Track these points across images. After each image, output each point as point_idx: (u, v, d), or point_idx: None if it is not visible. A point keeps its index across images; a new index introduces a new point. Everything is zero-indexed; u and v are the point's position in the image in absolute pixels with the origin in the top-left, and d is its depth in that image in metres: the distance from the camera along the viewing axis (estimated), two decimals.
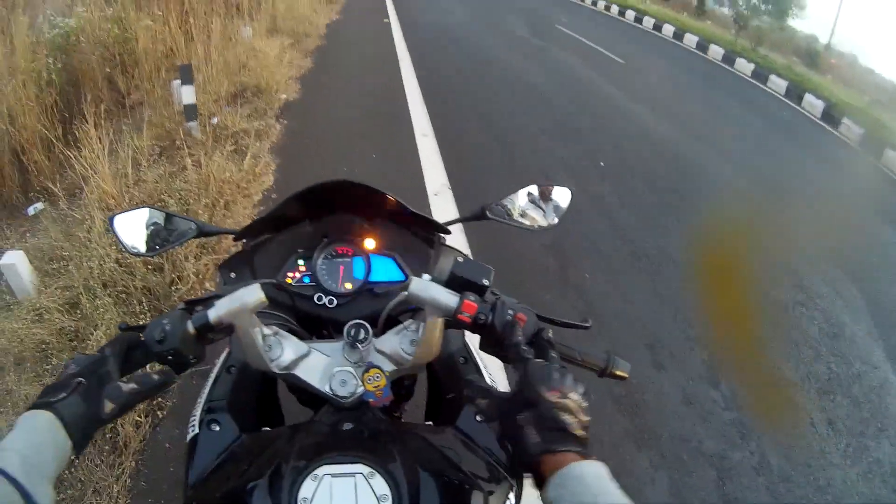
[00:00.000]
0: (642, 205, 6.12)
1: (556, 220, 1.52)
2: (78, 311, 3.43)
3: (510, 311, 1.06)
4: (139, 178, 4.83)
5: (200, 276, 3.86)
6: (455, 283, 1.13)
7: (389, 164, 6.06)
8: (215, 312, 1.04)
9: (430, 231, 1.42)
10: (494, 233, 4.10)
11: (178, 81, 5.92)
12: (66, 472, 2.57)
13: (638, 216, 5.81)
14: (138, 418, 2.89)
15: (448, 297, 1.06)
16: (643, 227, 5.60)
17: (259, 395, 1.37)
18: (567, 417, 0.82)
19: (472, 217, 1.48)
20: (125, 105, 6.61)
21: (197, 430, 1.17)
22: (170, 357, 1.03)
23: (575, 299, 4.39)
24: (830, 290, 5.07)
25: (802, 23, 19.29)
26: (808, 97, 12.24)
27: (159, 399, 3.03)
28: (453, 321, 1.07)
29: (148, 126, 5.69)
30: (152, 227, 1.38)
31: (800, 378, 3.98)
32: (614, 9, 22.71)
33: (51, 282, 3.72)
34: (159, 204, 4.48)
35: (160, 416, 2.98)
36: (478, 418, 1.16)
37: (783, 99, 12.79)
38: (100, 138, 4.66)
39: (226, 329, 1.07)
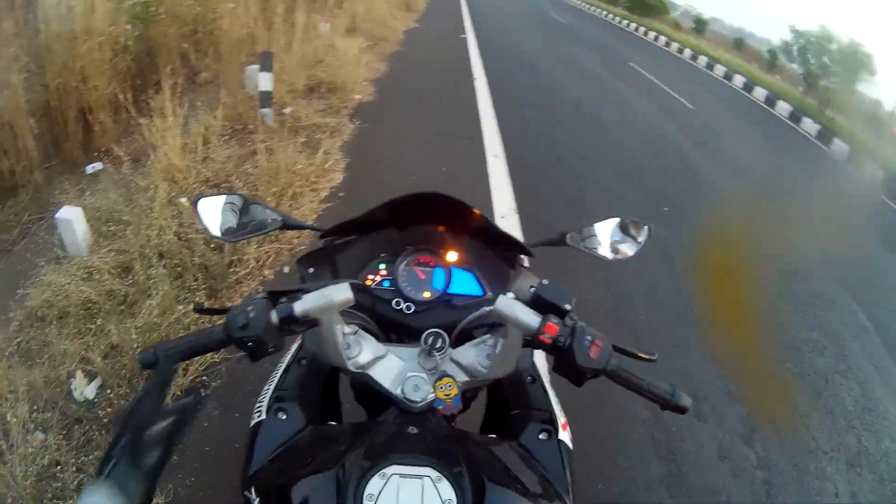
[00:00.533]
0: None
1: (631, 254, 1.57)
2: (130, 277, 3.33)
3: (588, 337, 1.06)
4: (207, 156, 4.74)
5: (260, 263, 3.74)
6: (537, 304, 1.12)
7: (458, 180, 5.91)
8: (302, 306, 1.05)
9: (513, 251, 1.46)
10: None
11: (256, 67, 5.86)
12: (96, 434, 2.53)
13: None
14: (179, 393, 2.79)
15: (531, 318, 1.07)
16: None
17: (324, 389, 1.39)
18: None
19: (552, 242, 1.56)
20: (195, 83, 6.59)
21: (263, 416, 1.20)
22: (249, 343, 1.01)
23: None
24: None
25: (869, 87, 19.26)
26: (870, 164, 11.97)
27: (203, 377, 2.92)
28: (533, 341, 1.08)
29: (221, 106, 5.59)
30: (235, 213, 1.42)
31: None
32: (687, 52, 22.73)
33: (105, 243, 3.62)
34: (226, 185, 4.42)
35: (202, 394, 2.87)
36: (541, 436, 1.22)
37: (844, 163, 12.56)
38: (174, 110, 4.59)
39: (308, 322, 1.07)
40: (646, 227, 1.56)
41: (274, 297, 1.08)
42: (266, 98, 5.84)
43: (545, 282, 1.17)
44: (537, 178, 6.51)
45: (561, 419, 1.30)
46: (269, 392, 1.27)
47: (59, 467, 2.30)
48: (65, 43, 4.96)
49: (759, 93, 17.37)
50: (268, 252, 3.83)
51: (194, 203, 1.37)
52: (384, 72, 9.45)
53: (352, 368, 1.12)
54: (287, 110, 6.23)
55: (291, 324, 1.05)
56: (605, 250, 1.55)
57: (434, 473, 0.88)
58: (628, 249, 1.56)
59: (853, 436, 3.62)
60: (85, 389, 2.69)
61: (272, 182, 4.57)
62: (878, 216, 9.61)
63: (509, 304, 1.07)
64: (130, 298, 3.21)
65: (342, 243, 1.42)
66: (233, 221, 1.40)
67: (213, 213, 1.38)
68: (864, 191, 10.98)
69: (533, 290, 1.31)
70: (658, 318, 4.41)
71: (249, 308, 1.01)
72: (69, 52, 4.96)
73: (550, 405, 1.34)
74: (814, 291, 5.54)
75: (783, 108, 15.95)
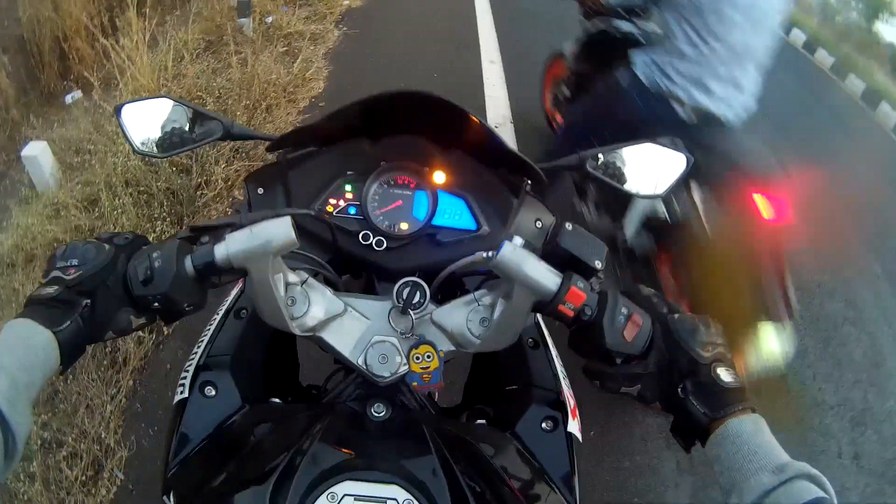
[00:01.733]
0: None
1: (663, 190, 1.21)
2: (97, 209, 3.20)
3: (623, 311, 0.83)
4: (179, 73, 4.51)
5: (230, 183, 3.58)
6: (555, 256, 0.89)
7: (450, 87, 5.60)
8: (225, 249, 0.81)
9: (519, 175, 1.14)
10: None
11: None
12: (61, 384, 2.41)
13: None
14: (141, 334, 2.65)
15: (548, 277, 0.83)
16: None
17: (270, 347, 1.15)
18: (724, 373, 0.77)
19: (566, 166, 1.18)
20: None
21: (187, 394, 0.98)
22: (156, 304, 0.81)
23: None
24: None
25: (888, 28, 18.11)
26: (884, 104, 11.30)
27: None
28: (548, 307, 0.84)
29: (197, 19, 5.36)
30: (170, 124, 1.12)
31: None
32: None
33: (74, 175, 3.51)
34: (196, 101, 4.19)
35: (165, 332, 2.75)
36: (544, 426, 1.01)
37: (859, 102, 11.76)
38: (141, 28, 4.31)
39: (237, 272, 0.84)
40: (682, 157, 1.21)
41: (197, 234, 0.87)
42: (245, 7, 5.57)
43: (569, 226, 0.93)
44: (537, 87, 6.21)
45: (570, 402, 1.08)
46: (196, 358, 1.05)
47: None
48: None
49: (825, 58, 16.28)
50: (237, 171, 3.65)
51: (117, 111, 1.10)
52: None
53: (297, 331, 0.90)
54: (269, 18, 5.96)
55: (212, 274, 0.83)
56: (631, 183, 1.21)
57: (402, 495, 0.70)
58: (659, 185, 1.22)
59: None
60: None
61: (245, 95, 4.36)
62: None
63: (518, 256, 0.83)
64: (97, 231, 3.08)
65: (299, 157, 1.13)
66: (166, 131, 1.12)
67: (143, 122, 1.11)
68: (877, 128, 10.43)
69: (540, 226, 1.14)
70: None
71: (155, 254, 0.80)
72: None
73: (558, 382, 1.11)
74: None
75: (797, 36, 15.08)
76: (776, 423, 0.75)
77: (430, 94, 0.96)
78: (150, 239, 2.80)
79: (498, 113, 5.25)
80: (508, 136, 4.91)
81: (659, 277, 2.72)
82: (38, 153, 3.37)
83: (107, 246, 0.81)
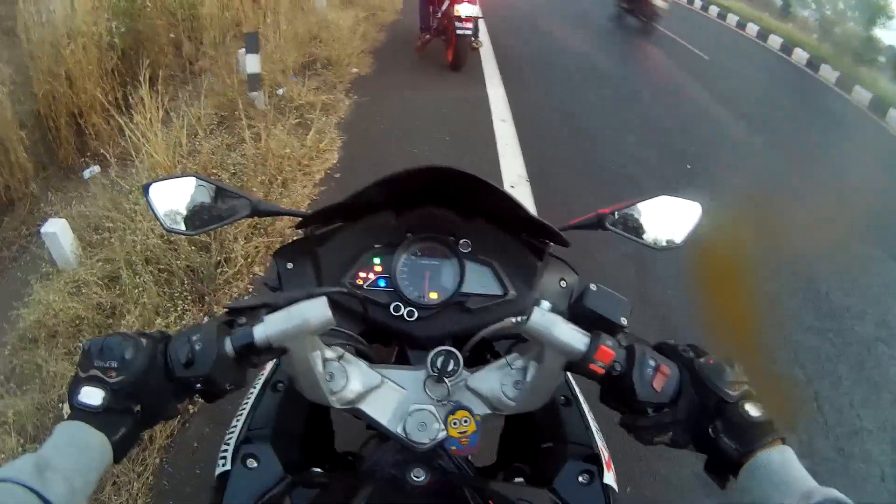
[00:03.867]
0: None
1: (681, 241, 1.26)
2: (117, 287, 3.21)
3: (651, 363, 0.83)
4: (194, 149, 4.57)
5: (250, 260, 3.58)
6: (582, 315, 0.91)
7: (464, 150, 5.69)
8: (264, 331, 0.81)
9: (541, 239, 1.18)
10: None
11: (244, 50, 5.64)
12: None
13: None
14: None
15: (577, 339, 0.84)
16: None
17: (308, 418, 1.16)
18: (751, 409, 0.78)
19: (587, 225, 1.25)
20: (190, 72, 6.39)
21: (228, 466, 1.00)
22: (198, 386, 0.81)
23: None
24: None
25: (886, 33, 18.30)
26: (892, 111, 11.37)
27: None
28: (579, 367, 0.85)
29: (209, 94, 5.44)
30: (198, 202, 1.15)
31: None
32: (697, 3, 21.80)
33: (94, 252, 3.52)
34: (213, 177, 4.17)
35: (191, 410, 2.74)
36: (581, 479, 1.03)
37: (865, 111, 11.77)
38: (156, 105, 4.36)
39: (276, 351, 0.84)
40: (696, 206, 1.27)
41: (234, 315, 0.87)
42: (255, 81, 5.65)
43: (593, 287, 0.95)
44: (547, 144, 6.26)
45: (605, 454, 1.09)
46: (237, 431, 1.06)
47: None
48: (48, 49, 4.85)
49: (774, 40, 16.41)
50: (257, 247, 3.67)
51: (145, 190, 1.14)
52: (382, 42, 9.12)
53: (338, 405, 0.92)
54: (280, 90, 6.04)
55: (252, 354, 0.83)
56: (650, 235, 1.26)
57: None
58: (676, 235, 1.27)
59: None
60: None
61: (260, 170, 4.41)
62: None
63: (547, 320, 0.84)
64: (119, 310, 3.10)
65: (326, 232, 1.15)
66: (193, 209, 1.15)
67: (170, 200, 1.15)
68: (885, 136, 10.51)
69: (564, 286, 1.18)
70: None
71: (195, 337, 0.80)
72: (53, 58, 4.86)
73: (591, 436, 1.13)
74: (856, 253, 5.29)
75: (800, 55, 15.27)
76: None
77: (449, 168, 0.98)
78: (172, 320, 2.83)
79: (513, 172, 5.30)
80: (526, 194, 4.96)
81: None
82: (57, 230, 3.39)
83: (143, 341, 0.80)
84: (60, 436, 0.71)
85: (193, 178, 1.15)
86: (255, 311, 0.85)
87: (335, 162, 5.12)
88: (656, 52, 12.07)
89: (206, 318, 3.18)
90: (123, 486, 2.33)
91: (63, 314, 3.04)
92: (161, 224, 1.14)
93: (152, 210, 1.14)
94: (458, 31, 7.29)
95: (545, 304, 0.88)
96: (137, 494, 2.32)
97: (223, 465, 1.00)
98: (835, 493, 0.66)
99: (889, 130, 10.54)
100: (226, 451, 1.03)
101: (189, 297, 3.21)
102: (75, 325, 3.03)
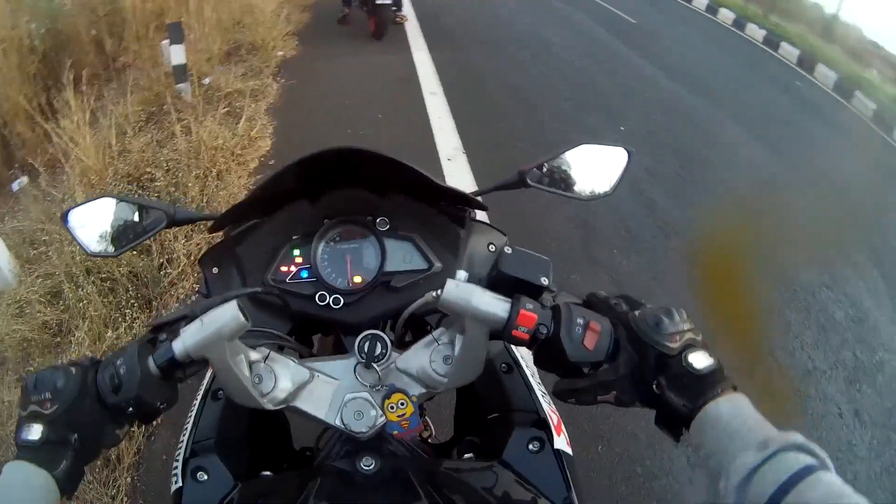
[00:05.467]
0: None
1: (610, 188, 1.22)
2: (61, 302, 3.15)
3: (580, 321, 0.82)
4: (124, 148, 4.47)
5: (192, 258, 3.53)
6: (502, 281, 0.91)
7: (397, 125, 5.69)
8: (182, 344, 0.82)
9: (460, 206, 1.15)
10: None
11: (167, 41, 5.52)
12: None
13: None
14: (132, 429, 2.59)
15: (497, 306, 0.84)
16: None
17: (255, 421, 1.15)
18: (696, 359, 0.75)
19: (509, 185, 1.22)
20: (112, 69, 6.21)
21: (180, 483, 0.99)
22: (130, 410, 0.81)
23: None
24: None
25: None
26: (821, 68, 11.54)
27: None
28: (504, 335, 0.84)
29: (135, 90, 5.30)
30: (117, 221, 1.13)
31: None
32: None
33: (32, 269, 3.43)
34: (147, 177, 4.17)
35: (154, 423, 2.67)
36: (531, 447, 1.01)
37: (795, 67, 11.96)
38: (81, 107, 4.25)
39: (200, 362, 0.84)
40: (623, 151, 1.22)
41: (157, 332, 0.88)
42: (181, 72, 5.54)
43: (508, 249, 0.95)
44: (479, 114, 6.27)
45: (553, 419, 1.08)
46: (184, 446, 1.06)
47: None
48: None
49: (699, 2, 16.23)
50: (198, 244, 3.61)
51: (64, 217, 1.12)
52: (306, 23, 9.00)
53: (270, 406, 0.90)
54: (207, 80, 5.93)
55: (176, 369, 0.84)
56: (577, 187, 1.21)
57: None
58: (604, 183, 1.22)
59: None
60: None
61: (193, 164, 4.32)
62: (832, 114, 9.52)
63: (462, 291, 0.83)
64: (65, 326, 3.06)
65: (244, 231, 1.12)
66: (114, 229, 1.13)
67: (90, 224, 1.12)
68: (815, 91, 10.69)
69: (493, 249, 1.14)
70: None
71: (119, 361, 0.81)
72: None
73: (537, 402, 1.11)
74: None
75: (726, 15, 15.29)
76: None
77: (355, 147, 0.95)
78: (122, 330, 2.79)
79: (448, 145, 5.33)
80: (462, 166, 4.99)
81: None
82: None
83: (73, 369, 0.81)
84: (5, 477, 0.73)
85: (110, 199, 1.14)
86: (175, 325, 0.86)
87: (268, 149, 5.08)
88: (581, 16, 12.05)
89: (164, 314, 3.13)
90: None
91: (9, 338, 2.97)
92: (84, 250, 1.13)
93: (74, 237, 1.13)
94: (378, 1, 7.72)
95: (461, 275, 0.89)
96: None
97: (175, 483, 1.00)
98: (794, 436, 0.65)
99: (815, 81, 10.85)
100: (176, 466, 1.03)
101: (136, 305, 3.15)
102: (23, 348, 2.96)
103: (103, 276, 3.29)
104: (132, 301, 3.17)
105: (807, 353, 3.57)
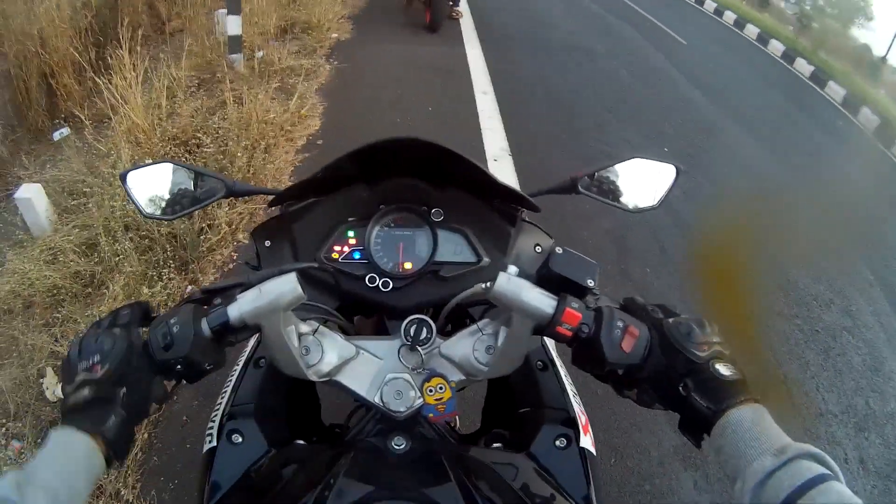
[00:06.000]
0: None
1: (656, 202, 1.26)
2: (95, 255, 3.12)
3: (619, 324, 0.84)
4: (173, 111, 4.43)
5: (233, 227, 3.50)
6: (549, 280, 0.92)
7: (446, 121, 5.64)
8: (237, 310, 0.84)
9: (513, 205, 1.18)
10: None
11: (224, 10, 5.51)
12: None
13: None
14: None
15: (544, 302, 0.86)
16: None
17: (292, 392, 1.18)
18: (723, 368, 0.77)
19: (561, 189, 1.26)
20: (164, 32, 6.19)
21: (215, 443, 1.01)
22: (178, 367, 0.81)
23: None
24: None
25: (862, 32, 18.43)
26: (865, 110, 11.44)
27: None
28: (547, 330, 0.86)
29: (187, 56, 5.27)
30: (174, 186, 1.18)
31: None
32: None
33: (69, 219, 3.40)
34: (194, 142, 4.14)
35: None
36: (558, 443, 1.03)
37: (839, 107, 11.79)
38: (134, 65, 4.23)
39: (252, 328, 0.87)
40: (672, 168, 1.25)
41: (208, 297, 0.89)
42: (235, 43, 5.53)
43: (559, 250, 0.95)
44: (528, 117, 6.23)
45: (581, 419, 1.10)
46: (221, 408, 1.08)
47: None
48: (20, 6, 4.68)
49: (751, 30, 16.31)
50: (241, 214, 3.59)
51: (122, 178, 1.15)
52: (361, 7, 9.04)
53: (314, 377, 0.93)
54: (259, 54, 5.90)
55: (228, 333, 0.86)
56: (624, 198, 1.25)
57: None
58: (651, 197, 1.26)
59: None
60: (56, 388, 2.51)
61: (243, 135, 4.28)
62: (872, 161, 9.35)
63: (513, 285, 0.86)
64: (98, 278, 3.01)
65: (301, 208, 1.16)
66: (170, 194, 1.17)
67: (147, 186, 1.16)
68: (855, 132, 10.60)
69: (539, 251, 1.18)
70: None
71: (173, 320, 0.82)
72: (26, 16, 4.67)
73: (568, 401, 1.14)
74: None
75: (776, 47, 15.28)
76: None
77: (417, 138, 0.97)
78: (158, 289, 2.73)
79: (495, 145, 5.26)
80: (507, 167, 4.94)
81: None
82: (32, 195, 3.27)
83: (117, 330, 0.81)
84: (49, 445, 0.70)
85: (169, 164, 1.17)
86: (229, 291, 0.88)
87: (317, 128, 5.05)
88: (632, 32, 12.00)
89: (189, 287, 3.11)
90: None
91: (39, 283, 2.94)
92: (139, 211, 1.16)
93: (130, 197, 1.15)
94: None
95: (512, 270, 0.89)
96: (128, 472, 2.26)
97: (210, 442, 1.02)
98: (809, 447, 0.66)
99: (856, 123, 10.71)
100: (211, 428, 1.05)
101: (173, 266, 3.12)
102: (52, 294, 2.93)
103: (142, 233, 3.25)
104: (169, 261, 3.13)
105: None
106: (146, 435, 2.42)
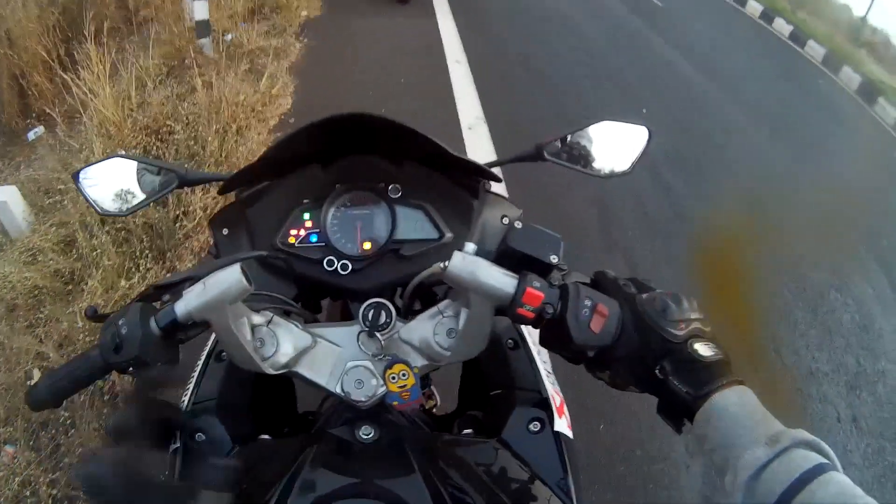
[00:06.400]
0: None
1: (628, 167, 1.21)
2: (74, 251, 3.13)
3: (587, 302, 0.78)
4: (143, 101, 4.40)
5: (208, 211, 3.48)
6: (510, 256, 0.89)
7: (420, 92, 5.62)
8: (184, 307, 0.82)
9: (474, 177, 1.14)
10: None
11: None
12: (63, 437, 2.37)
13: None
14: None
15: (503, 281, 0.81)
16: None
17: (259, 384, 1.13)
18: (702, 348, 0.73)
19: (525, 157, 1.21)
20: (133, 23, 6.12)
21: (177, 443, 0.97)
22: (131, 369, 0.81)
23: None
24: None
25: None
26: (846, 69, 11.35)
27: None
28: (508, 312, 0.81)
29: (156, 44, 5.24)
30: (125, 180, 1.15)
31: None
32: None
33: (47, 218, 3.40)
34: (165, 130, 4.10)
35: None
36: (531, 427, 1.00)
37: (820, 66, 11.75)
38: (101, 59, 4.17)
39: (203, 324, 0.85)
40: (643, 129, 1.20)
41: (160, 293, 0.89)
42: (203, 27, 5.49)
43: (518, 224, 0.93)
44: (503, 85, 6.25)
45: (556, 400, 1.07)
46: (184, 406, 1.05)
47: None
48: None
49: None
50: (215, 198, 3.57)
51: (75, 177, 1.14)
52: None
53: (271, 370, 0.89)
54: (228, 36, 5.88)
55: (178, 330, 0.84)
56: (594, 164, 1.20)
57: None
58: (623, 162, 1.21)
59: None
60: None
61: (214, 118, 4.24)
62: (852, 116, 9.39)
63: (468, 265, 0.82)
64: (78, 275, 3.03)
65: (254, 193, 1.11)
66: (123, 188, 1.14)
67: (100, 183, 1.14)
68: (838, 93, 10.51)
69: (506, 222, 1.13)
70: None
71: (121, 321, 0.81)
72: None
73: (541, 382, 1.09)
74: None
75: (754, 7, 15.02)
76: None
77: (368, 113, 0.92)
78: (136, 280, 2.76)
79: (470, 114, 5.27)
80: (483, 135, 4.94)
81: None
82: (7, 198, 3.28)
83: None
84: None
85: (120, 159, 1.15)
86: (178, 287, 0.86)
87: (289, 107, 5.04)
88: None
89: (167, 276, 3.11)
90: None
91: (21, 285, 2.94)
92: (94, 209, 1.15)
93: (84, 196, 1.15)
94: None
95: (469, 247, 0.85)
96: None
97: (173, 442, 0.98)
98: (803, 434, 0.63)
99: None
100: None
101: (150, 256, 3.13)
102: (34, 295, 2.94)
103: (118, 226, 3.25)
104: (146, 252, 3.14)
105: None
106: None
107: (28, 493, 2.15)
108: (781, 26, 13.69)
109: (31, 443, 2.33)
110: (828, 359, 3.47)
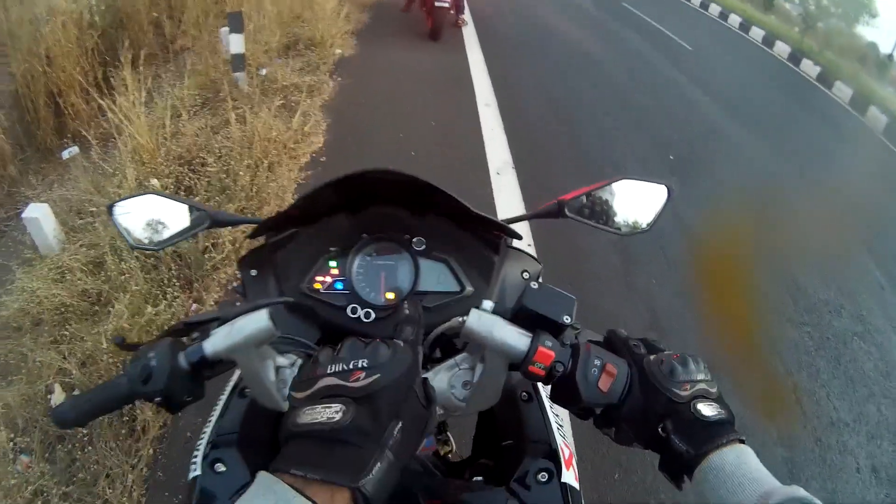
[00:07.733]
0: None
1: (647, 225, 1.22)
2: (102, 273, 3.15)
3: (596, 362, 0.82)
4: (178, 130, 4.48)
5: (237, 245, 3.52)
6: (526, 315, 0.88)
7: (449, 134, 5.68)
8: (212, 346, 0.85)
9: (495, 233, 1.16)
10: None
11: (227, 29, 5.56)
12: (79, 452, 2.39)
13: None
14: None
15: (517, 339, 0.84)
16: None
17: (278, 422, 1.07)
18: (705, 408, 0.76)
19: (546, 213, 1.22)
20: (170, 51, 6.29)
21: (199, 472, 1.00)
22: (157, 399, 0.84)
23: None
24: None
25: (868, 30, 18.38)
26: (873, 109, 11.48)
27: None
28: (521, 368, 0.84)
29: (191, 74, 5.35)
30: (159, 217, 1.18)
31: None
32: None
33: (77, 237, 3.45)
34: (198, 161, 4.18)
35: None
36: (539, 477, 1.01)
37: (847, 107, 11.93)
38: (137, 85, 4.25)
39: (228, 363, 0.88)
40: (663, 188, 1.21)
41: (189, 329, 0.90)
42: (239, 61, 5.58)
43: (534, 284, 0.92)
44: (532, 128, 6.30)
45: (565, 452, 1.08)
46: (206, 437, 1.07)
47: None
48: (27, 26, 4.75)
49: (756, 32, 16.59)
50: (244, 231, 3.55)
51: (110, 209, 1.17)
52: (365, 23, 9.09)
53: None
54: (263, 71, 5.96)
55: (206, 368, 0.87)
56: (614, 221, 1.21)
57: None
58: (643, 219, 1.21)
59: None
60: None
61: (246, 153, 4.32)
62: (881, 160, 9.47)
63: (485, 322, 0.84)
64: (105, 297, 3.05)
65: (283, 238, 1.14)
66: (156, 224, 1.17)
67: (134, 216, 1.17)
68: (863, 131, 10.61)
69: (527, 277, 1.16)
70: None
71: (151, 354, 0.84)
72: (32, 36, 4.74)
73: (551, 434, 1.11)
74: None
75: (781, 48, 15.33)
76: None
77: (389, 169, 0.97)
78: (162, 307, 2.78)
79: (499, 159, 5.31)
80: (510, 181, 4.98)
81: None
82: (40, 215, 3.32)
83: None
84: None
85: (154, 196, 1.18)
86: (207, 325, 0.88)
87: (320, 145, 5.08)
88: (636, 38, 12.06)
89: (194, 305, 3.15)
90: (117, 479, 2.30)
91: (47, 301, 2.98)
92: (127, 241, 1.17)
93: (118, 228, 1.17)
94: (437, 3, 8.12)
95: (487, 305, 0.88)
96: (132, 486, 2.29)
97: (194, 470, 1.02)
98: (797, 491, 0.64)
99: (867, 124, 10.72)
100: (196, 456, 1.04)
101: (178, 284, 3.16)
102: (60, 312, 2.97)
103: (147, 253, 3.26)
104: (174, 280, 3.18)
105: None
106: (151, 451, 2.45)
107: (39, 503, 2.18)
108: (808, 67, 13.87)
109: (47, 455, 2.36)
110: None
